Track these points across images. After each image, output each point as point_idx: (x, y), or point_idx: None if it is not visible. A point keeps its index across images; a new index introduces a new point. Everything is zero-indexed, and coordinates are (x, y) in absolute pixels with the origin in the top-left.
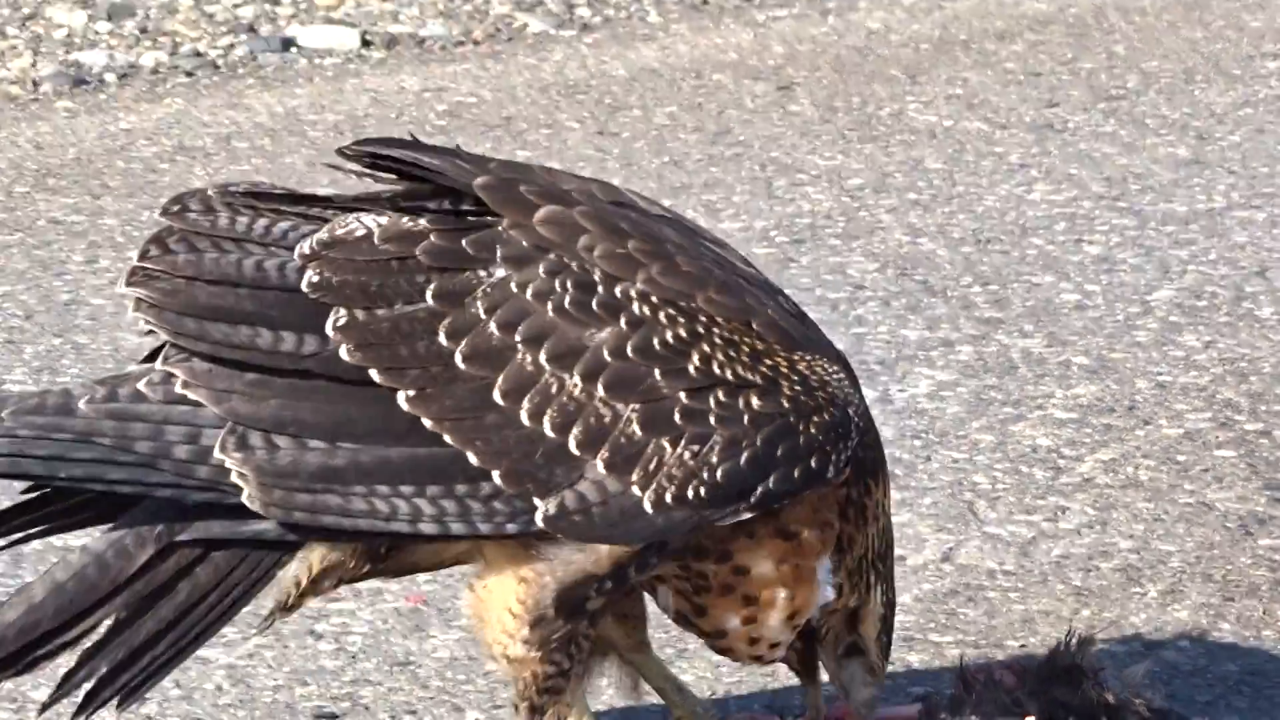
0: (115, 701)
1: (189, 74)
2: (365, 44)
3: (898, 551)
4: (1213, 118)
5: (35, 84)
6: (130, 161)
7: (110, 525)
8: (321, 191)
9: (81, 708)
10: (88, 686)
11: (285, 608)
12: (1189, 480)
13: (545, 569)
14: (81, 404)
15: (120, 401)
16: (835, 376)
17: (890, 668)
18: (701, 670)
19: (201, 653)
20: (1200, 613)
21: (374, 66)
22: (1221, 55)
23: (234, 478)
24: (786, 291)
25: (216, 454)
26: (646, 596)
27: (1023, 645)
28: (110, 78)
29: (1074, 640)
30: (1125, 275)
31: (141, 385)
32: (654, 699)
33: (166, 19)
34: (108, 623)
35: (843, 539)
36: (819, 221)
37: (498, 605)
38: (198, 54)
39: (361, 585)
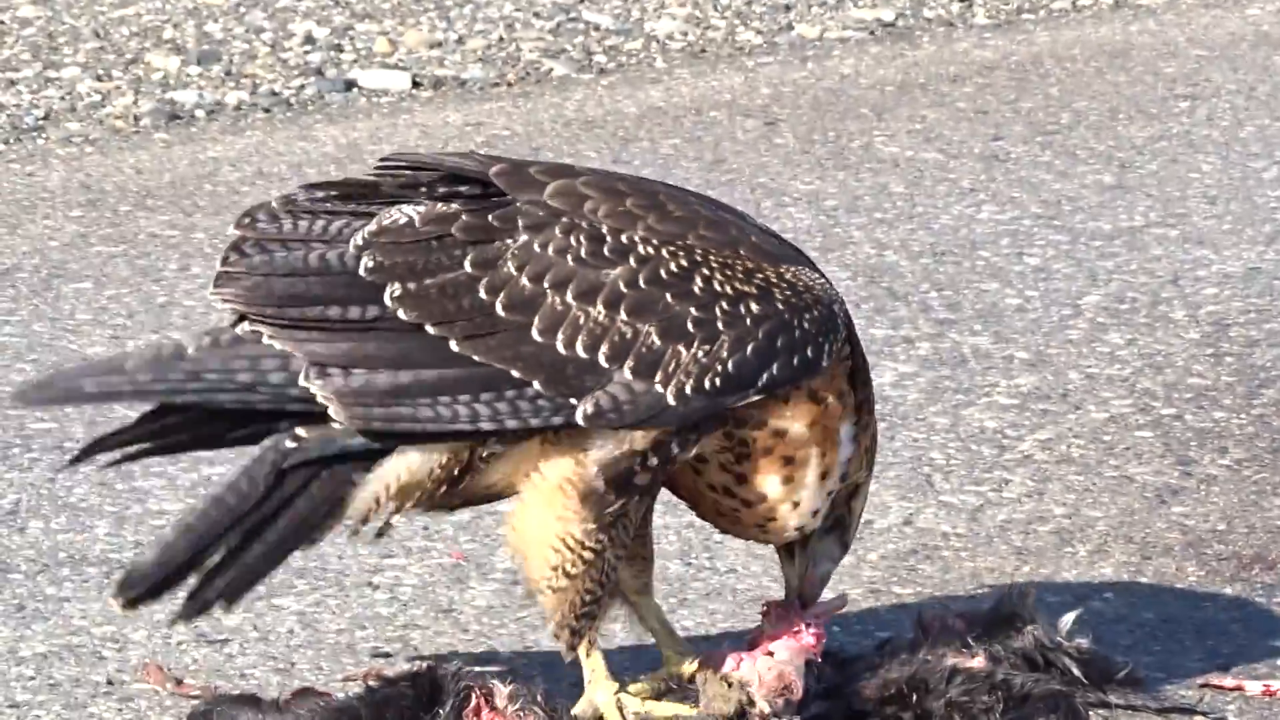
0: (222, 602)
1: (266, 110)
2: (415, 85)
3: (866, 516)
4: (1133, 149)
5: (136, 119)
6: (216, 185)
7: (228, 474)
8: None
9: (197, 612)
10: (205, 600)
11: (366, 520)
12: (1113, 457)
13: (590, 455)
14: (191, 349)
15: (223, 346)
16: (818, 282)
17: (858, 614)
18: (699, 617)
19: (275, 600)
20: (1122, 569)
21: (423, 104)
22: (1141, 96)
23: (319, 399)
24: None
25: (300, 382)
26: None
27: (972, 596)
28: (200, 113)
29: (1015, 592)
30: (1059, 283)
31: (239, 330)
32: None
33: (248, 63)
34: (223, 549)
35: (861, 409)
36: (800, 237)
37: (542, 528)
38: (274, 93)
39: (411, 544)
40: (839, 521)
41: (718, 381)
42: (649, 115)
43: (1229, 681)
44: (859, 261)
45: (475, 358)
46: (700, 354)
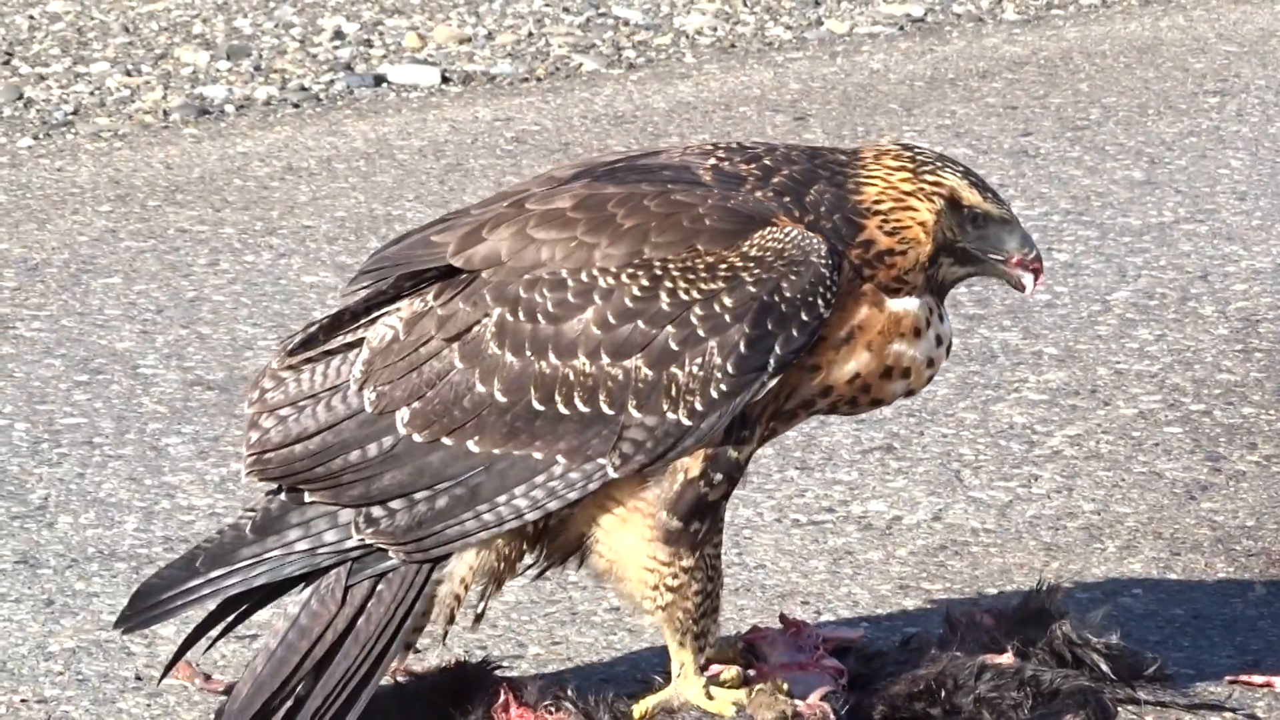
0: None
1: (295, 105)
2: (445, 80)
3: (894, 514)
4: (1163, 145)
5: (166, 114)
6: (246, 180)
7: (295, 598)
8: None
9: None
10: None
11: (453, 619)
12: (1142, 452)
13: (652, 498)
14: (248, 531)
15: (272, 514)
16: (789, 238)
17: (884, 610)
18: (729, 612)
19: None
20: (1151, 565)
21: (452, 99)
22: (1170, 92)
23: (374, 547)
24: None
25: (354, 536)
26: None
27: (1000, 592)
28: (229, 109)
29: (1044, 588)
30: (1089, 279)
31: (283, 496)
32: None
33: (277, 58)
34: (309, 671)
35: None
36: None
37: (635, 562)
38: (303, 88)
39: None
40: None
41: (724, 387)
42: (678, 110)
43: (1258, 678)
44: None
45: (495, 451)
46: (695, 369)
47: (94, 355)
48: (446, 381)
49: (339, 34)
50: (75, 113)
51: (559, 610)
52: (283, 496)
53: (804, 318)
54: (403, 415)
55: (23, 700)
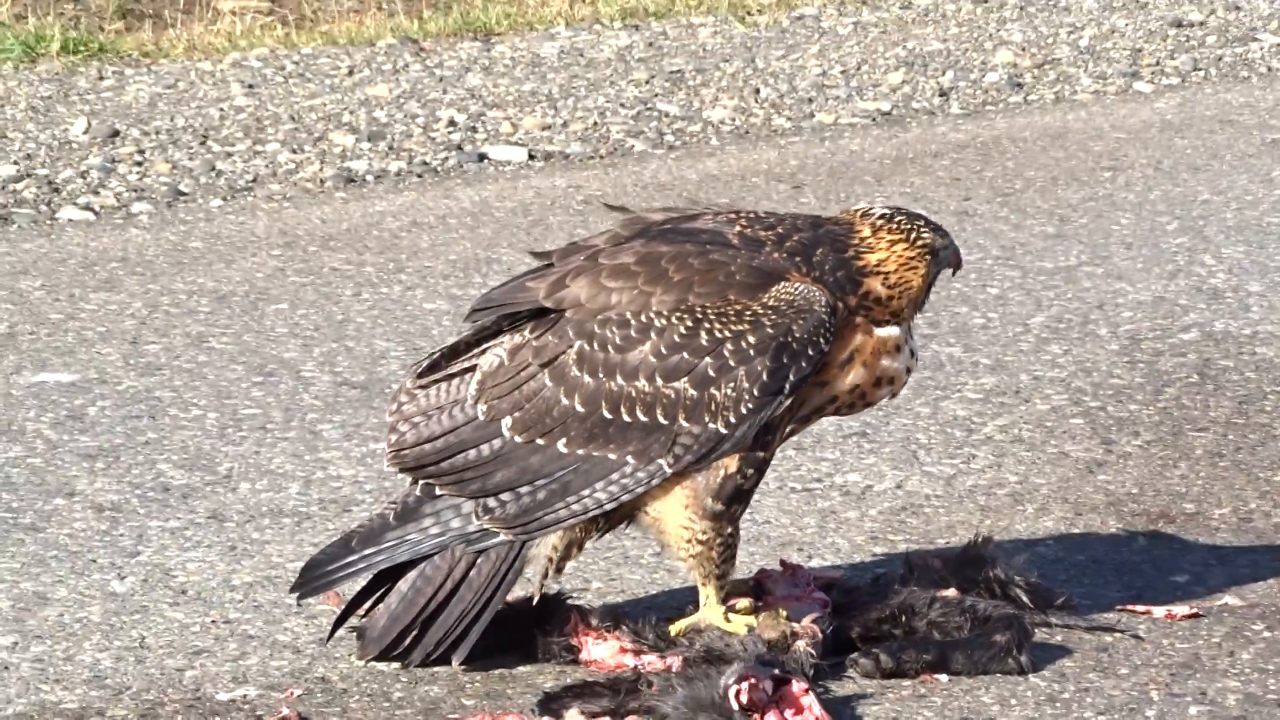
0: (453, 658)
1: (419, 176)
2: (531, 157)
3: (866, 483)
4: (1069, 207)
5: (322, 182)
6: (382, 232)
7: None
8: (471, 331)
9: (423, 662)
10: (426, 651)
11: (546, 576)
12: (1053, 438)
13: (700, 488)
14: (391, 519)
15: (409, 506)
16: (798, 291)
17: (860, 557)
18: (741, 558)
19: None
20: (1060, 523)
21: (536, 172)
22: (1075, 168)
23: (491, 531)
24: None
25: (475, 522)
26: None
27: (947, 543)
28: (369, 178)
29: (980, 540)
30: (1014, 307)
31: (418, 491)
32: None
33: (405, 140)
34: (432, 610)
35: (883, 310)
36: None
37: (674, 522)
38: (425, 163)
39: None
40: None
41: (750, 405)
42: (705, 181)
43: (1140, 607)
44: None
45: (579, 452)
46: (729, 390)
47: (267, 362)
48: (540, 396)
49: (452, 122)
50: (254, 181)
51: (615, 554)
52: (418, 491)
53: (810, 353)
54: (507, 422)
55: (212, 621)
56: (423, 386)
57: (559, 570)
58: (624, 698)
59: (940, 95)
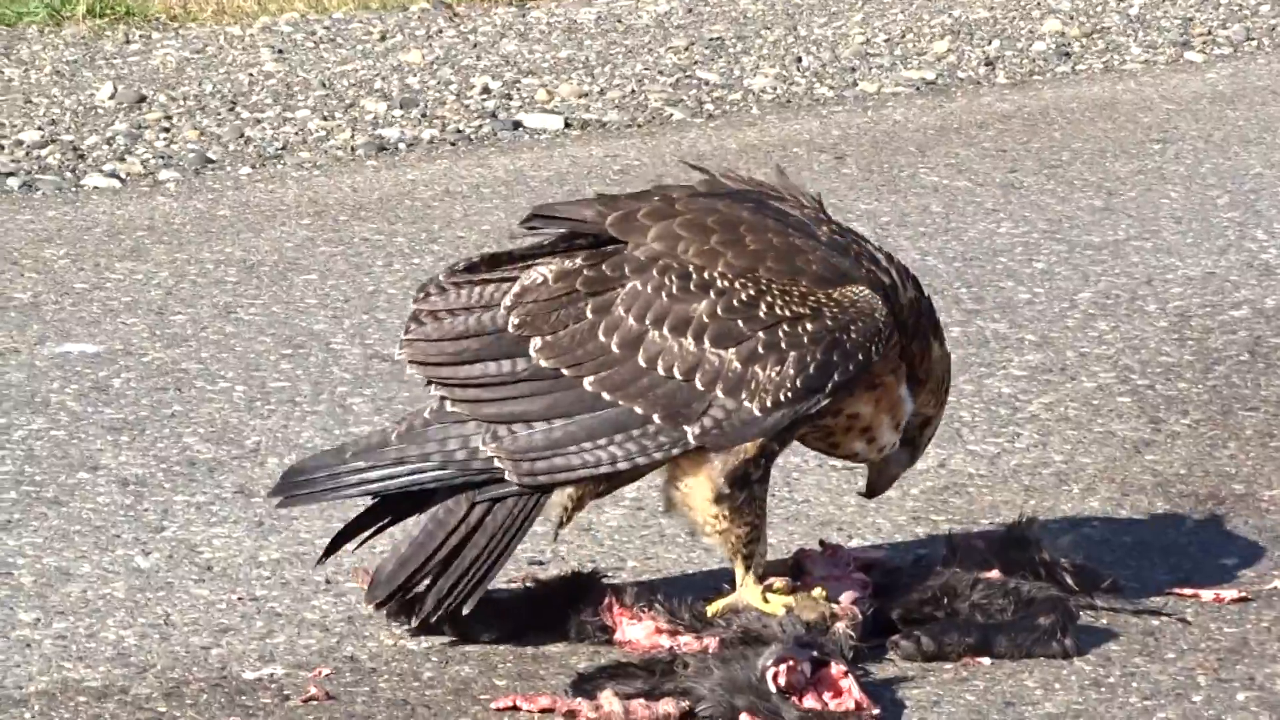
0: (463, 606)
1: (452, 144)
2: (567, 126)
3: None
4: (1118, 180)
5: (353, 150)
6: (414, 201)
7: (438, 502)
8: (512, 246)
9: (435, 611)
10: (439, 598)
11: (561, 525)
12: (1100, 416)
13: (716, 464)
14: (393, 437)
15: (415, 429)
16: (863, 295)
17: (901, 537)
18: (781, 536)
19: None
20: (1106, 504)
21: (573, 141)
22: (1124, 139)
23: (496, 463)
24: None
25: (480, 447)
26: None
27: (990, 523)
28: (401, 146)
29: (1024, 520)
30: (1060, 282)
31: (425, 414)
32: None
33: (439, 108)
34: (444, 556)
35: (917, 371)
36: None
37: (696, 498)
38: (458, 131)
39: None
40: (911, 441)
41: (790, 394)
42: (746, 151)
43: (1188, 591)
44: (907, 264)
45: (604, 395)
46: (774, 374)
47: (296, 334)
48: (578, 326)
49: (486, 89)
50: (284, 148)
51: (651, 533)
52: (426, 414)
53: (859, 357)
54: (536, 343)
55: (239, 598)
56: (456, 284)
57: (570, 520)
58: (659, 679)
59: (986, 64)
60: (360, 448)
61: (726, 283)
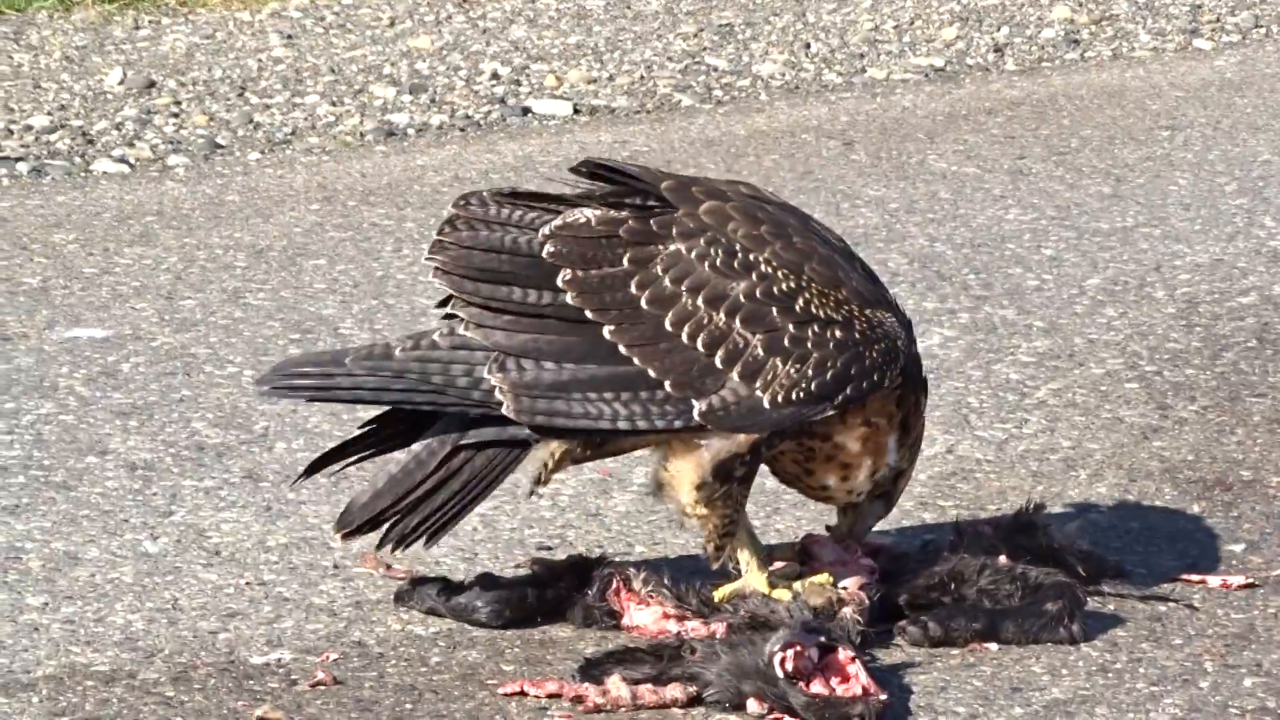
0: (423, 541)
1: (461, 129)
2: (576, 111)
3: None
4: (1126, 167)
5: (362, 135)
6: (423, 187)
7: (422, 441)
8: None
9: (398, 544)
10: (403, 533)
11: (539, 482)
12: (1108, 402)
13: (705, 452)
14: (397, 351)
15: (421, 349)
16: (890, 321)
17: (908, 523)
18: (789, 522)
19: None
20: (1114, 489)
21: (581, 127)
22: (1132, 126)
23: (496, 394)
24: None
25: (484, 374)
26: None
27: (998, 509)
28: (410, 131)
29: (1031, 506)
30: (1068, 269)
31: (435, 337)
32: None
33: (448, 94)
34: (418, 495)
35: (907, 423)
36: (870, 231)
37: (682, 481)
38: (467, 116)
39: None
40: (885, 493)
41: (802, 395)
42: (754, 137)
43: (1195, 576)
44: (915, 251)
45: (621, 348)
46: (792, 370)
47: (304, 319)
48: (611, 270)
49: (495, 75)
50: (293, 133)
51: (659, 518)
52: (436, 337)
53: (874, 378)
54: (565, 274)
55: (247, 583)
56: (499, 201)
57: (547, 480)
58: (666, 664)
59: (995, 51)
60: (361, 355)
61: (770, 269)
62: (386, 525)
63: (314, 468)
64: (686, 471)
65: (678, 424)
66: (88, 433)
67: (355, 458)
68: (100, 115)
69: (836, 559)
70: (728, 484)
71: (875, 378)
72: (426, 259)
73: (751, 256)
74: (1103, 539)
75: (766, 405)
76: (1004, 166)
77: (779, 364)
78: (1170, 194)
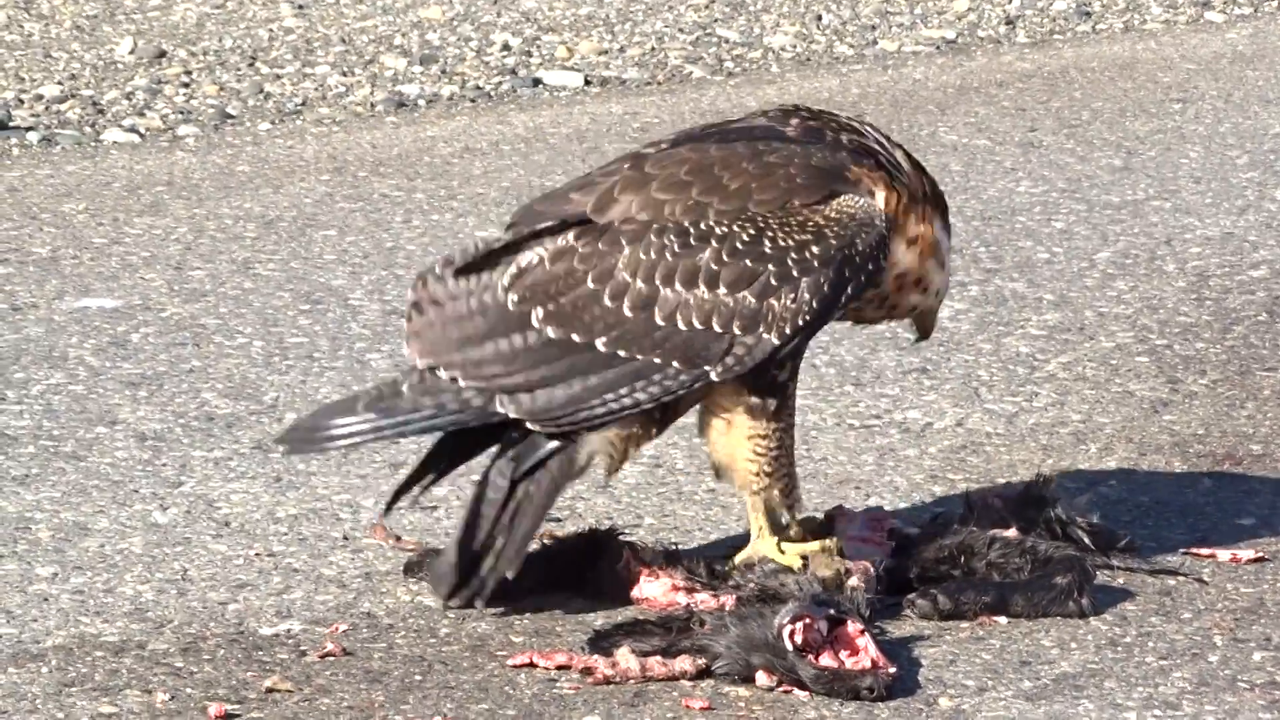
0: (510, 573)
1: (472, 101)
2: (587, 83)
3: (926, 420)
4: (1137, 140)
5: (372, 106)
6: (434, 158)
7: (479, 480)
8: (505, 237)
9: (490, 591)
10: (493, 580)
11: (611, 473)
12: (1118, 376)
13: (737, 382)
14: (405, 388)
15: (428, 381)
16: (859, 206)
17: (919, 497)
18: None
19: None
20: (1124, 463)
21: (592, 98)
22: (1144, 99)
23: (512, 414)
24: None
25: (498, 409)
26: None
27: (1008, 482)
28: (421, 103)
29: (1041, 479)
30: (1079, 242)
31: (440, 372)
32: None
33: (459, 64)
34: (499, 531)
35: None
36: None
37: (731, 440)
38: (478, 88)
39: None
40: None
41: (809, 317)
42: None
43: (1204, 550)
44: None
45: (619, 353)
46: (789, 301)
47: (314, 290)
48: (578, 293)
49: (506, 46)
50: (303, 104)
51: (669, 490)
52: (440, 372)
53: (870, 268)
54: (538, 312)
55: (256, 554)
56: (452, 271)
57: (619, 468)
58: (676, 636)
59: (1006, 23)
60: (371, 398)
61: (724, 229)
62: (479, 575)
63: (396, 496)
64: (725, 416)
65: (698, 386)
66: (97, 403)
67: (433, 477)
68: (110, 85)
69: (860, 535)
70: (776, 395)
71: (871, 266)
72: (406, 351)
73: (702, 225)
74: (1112, 512)
75: (777, 341)
76: (1015, 139)
77: (775, 304)
78: (1181, 167)
